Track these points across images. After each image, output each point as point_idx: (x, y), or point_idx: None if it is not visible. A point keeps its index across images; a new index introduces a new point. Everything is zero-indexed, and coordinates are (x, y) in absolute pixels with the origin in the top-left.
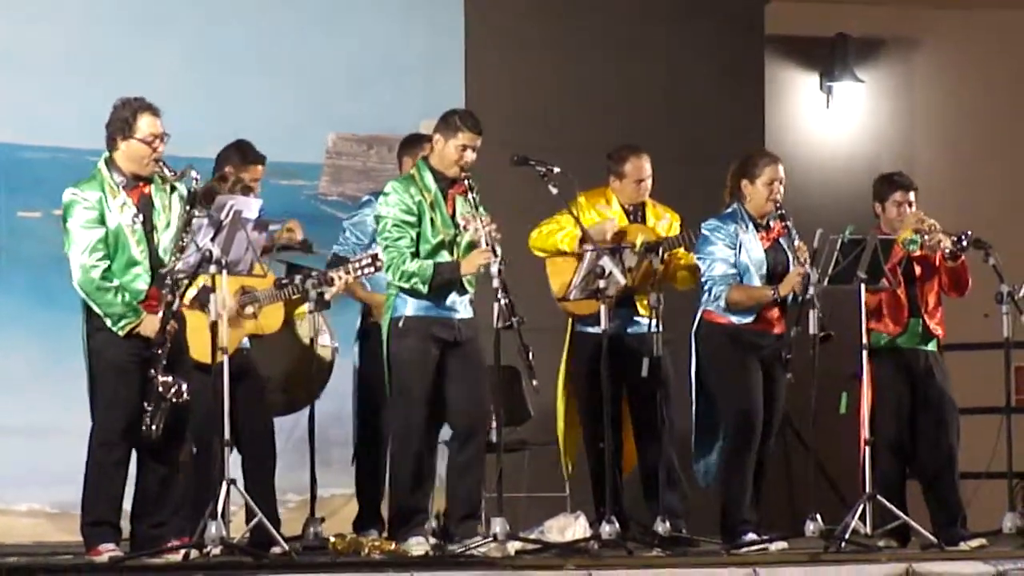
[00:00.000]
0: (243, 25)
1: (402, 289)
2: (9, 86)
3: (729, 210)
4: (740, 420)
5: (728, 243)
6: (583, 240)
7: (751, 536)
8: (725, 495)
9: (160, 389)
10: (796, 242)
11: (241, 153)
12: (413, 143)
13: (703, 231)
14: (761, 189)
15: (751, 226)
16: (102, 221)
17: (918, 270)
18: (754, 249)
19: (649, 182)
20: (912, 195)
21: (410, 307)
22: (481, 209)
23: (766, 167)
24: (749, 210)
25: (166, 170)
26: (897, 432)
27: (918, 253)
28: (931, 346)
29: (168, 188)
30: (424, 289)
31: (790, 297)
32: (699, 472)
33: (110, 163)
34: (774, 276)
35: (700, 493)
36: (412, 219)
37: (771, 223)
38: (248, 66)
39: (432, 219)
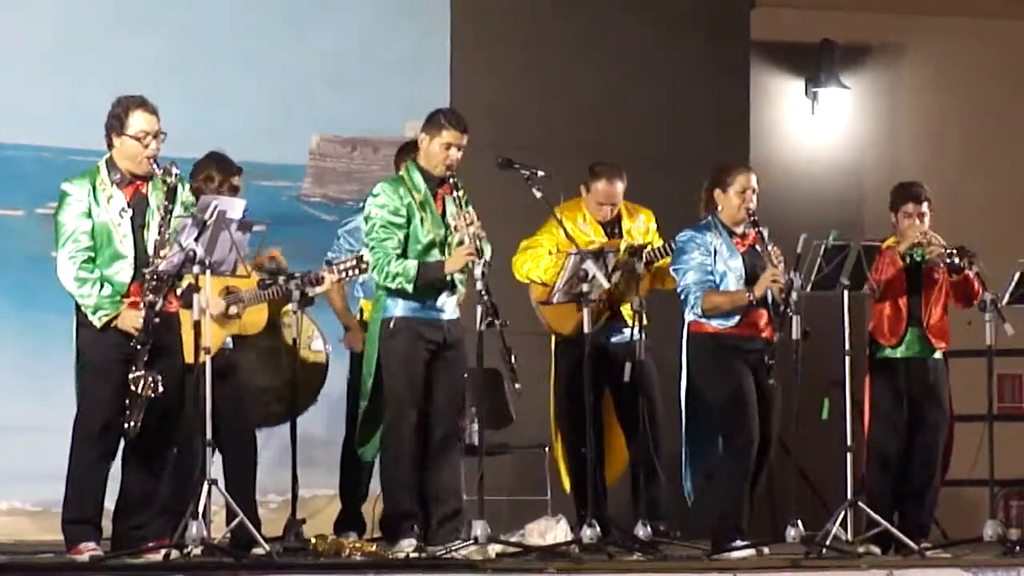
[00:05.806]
0: (226, 25)
1: (388, 290)
2: None
3: (703, 222)
4: (738, 429)
5: (703, 251)
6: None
7: (739, 543)
8: (722, 503)
9: (132, 386)
10: (770, 247)
11: (218, 165)
12: (411, 149)
13: (677, 242)
14: (733, 198)
15: (725, 234)
16: (89, 214)
17: (924, 280)
18: (731, 255)
19: (617, 205)
20: (925, 207)
21: (400, 308)
22: (468, 208)
23: (738, 176)
24: (723, 219)
25: (155, 167)
26: (890, 444)
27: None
28: (936, 355)
29: (166, 188)
30: (409, 288)
31: (770, 299)
32: (687, 488)
33: (110, 162)
34: (752, 281)
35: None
36: (400, 220)
37: (746, 231)
38: (231, 65)
39: (422, 219)
